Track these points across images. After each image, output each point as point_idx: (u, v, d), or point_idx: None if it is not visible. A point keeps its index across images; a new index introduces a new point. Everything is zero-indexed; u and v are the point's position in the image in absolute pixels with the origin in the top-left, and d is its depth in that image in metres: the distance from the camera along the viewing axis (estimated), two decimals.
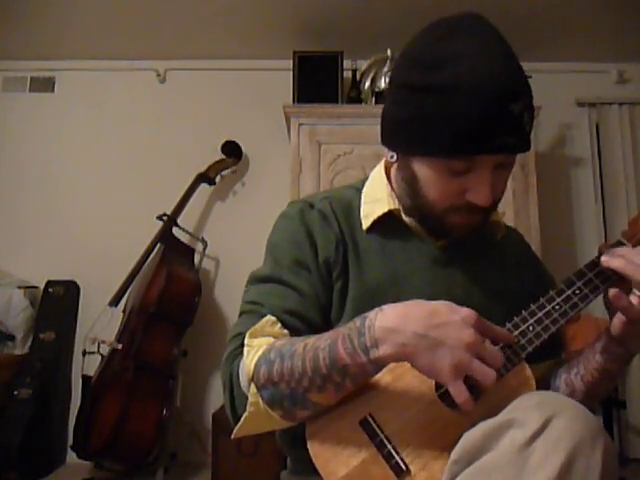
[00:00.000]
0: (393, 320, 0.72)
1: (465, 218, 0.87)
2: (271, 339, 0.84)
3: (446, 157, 0.81)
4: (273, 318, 0.86)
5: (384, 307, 0.75)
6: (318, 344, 0.76)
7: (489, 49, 0.79)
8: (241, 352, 0.84)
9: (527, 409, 0.66)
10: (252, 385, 0.80)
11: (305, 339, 0.79)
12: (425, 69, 0.81)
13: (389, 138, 0.90)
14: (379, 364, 0.73)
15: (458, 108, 0.77)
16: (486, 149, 0.79)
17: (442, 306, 0.72)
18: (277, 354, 0.78)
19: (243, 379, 0.82)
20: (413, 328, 0.70)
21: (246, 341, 0.84)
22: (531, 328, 0.82)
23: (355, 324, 0.75)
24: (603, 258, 0.82)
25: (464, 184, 0.83)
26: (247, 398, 0.81)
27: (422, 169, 0.85)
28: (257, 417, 0.81)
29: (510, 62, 0.80)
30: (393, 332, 0.71)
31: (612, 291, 0.79)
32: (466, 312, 0.71)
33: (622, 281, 0.81)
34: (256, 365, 0.80)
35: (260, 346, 0.82)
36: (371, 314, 0.75)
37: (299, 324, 0.88)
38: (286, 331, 0.86)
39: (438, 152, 0.81)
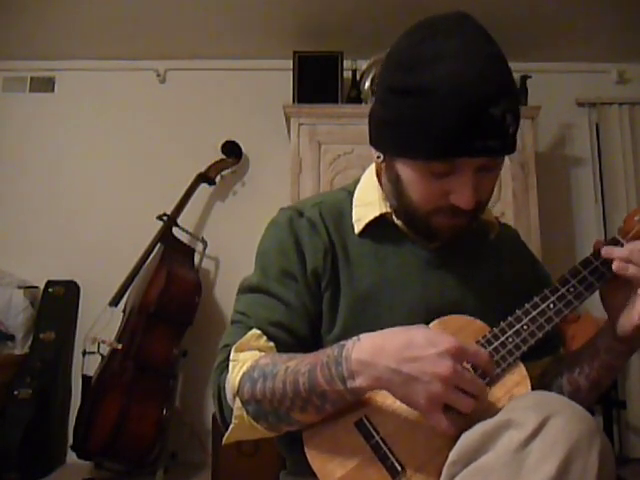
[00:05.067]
0: (368, 353, 0.73)
1: (449, 220, 0.86)
2: (257, 353, 0.85)
3: (425, 160, 0.80)
4: (258, 332, 0.87)
5: (361, 336, 0.76)
6: (298, 368, 0.77)
7: (470, 50, 0.77)
8: (228, 365, 0.85)
9: (524, 410, 0.66)
10: (237, 399, 0.82)
11: (287, 360, 0.80)
12: (405, 71, 0.80)
13: (375, 139, 0.90)
14: (356, 393, 0.75)
15: (436, 111, 0.76)
16: (465, 152, 0.77)
17: (420, 337, 0.71)
18: (260, 373, 0.79)
19: (228, 393, 0.83)
20: (386, 362, 0.71)
21: (231, 356, 0.85)
22: (525, 327, 0.82)
23: (333, 352, 0.76)
24: (618, 265, 0.80)
25: (446, 186, 0.82)
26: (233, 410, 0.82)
27: (405, 170, 0.84)
28: (243, 428, 0.82)
29: (492, 63, 0.77)
30: (368, 366, 0.72)
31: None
32: (445, 343, 0.70)
33: (617, 279, 0.81)
34: (240, 381, 0.81)
35: (245, 361, 0.83)
36: (349, 343, 0.76)
37: (285, 336, 0.88)
38: (272, 344, 0.86)
39: (417, 155, 0.81)
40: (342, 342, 0.77)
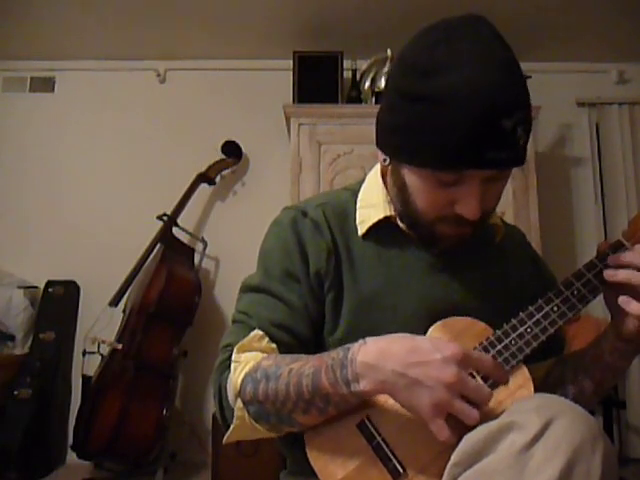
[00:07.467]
0: (373, 356, 0.72)
1: (453, 229, 0.85)
2: (259, 354, 0.84)
3: (433, 169, 0.79)
4: (261, 333, 0.86)
5: (367, 340, 0.75)
6: (302, 370, 0.77)
7: (486, 57, 0.74)
8: (229, 364, 0.85)
9: (527, 412, 0.66)
10: (239, 400, 0.81)
11: (291, 362, 0.79)
12: (418, 76, 0.77)
13: (382, 142, 0.89)
14: (360, 397, 0.75)
15: (448, 120, 0.74)
16: (474, 164, 0.76)
17: (425, 343, 0.71)
18: (263, 374, 0.79)
19: (230, 393, 0.83)
20: (392, 366, 0.70)
21: (233, 356, 0.84)
22: (529, 330, 0.82)
23: (338, 355, 0.75)
24: (607, 273, 0.81)
25: (453, 195, 0.81)
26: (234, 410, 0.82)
27: (411, 177, 0.83)
28: (244, 428, 0.82)
29: (508, 72, 0.75)
30: (373, 369, 0.72)
31: (622, 298, 0.79)
32: (450, 349, 0.69)
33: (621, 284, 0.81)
34: (242, 382, 0.81)
35: (247, 362, 0.83)
36: (354, 347, 0.75)
37: (287, 337, 0.88)
38: (274, 345, 0.86)
39: (425, 163, 0.79)
40: (347, 345, 0.76)
